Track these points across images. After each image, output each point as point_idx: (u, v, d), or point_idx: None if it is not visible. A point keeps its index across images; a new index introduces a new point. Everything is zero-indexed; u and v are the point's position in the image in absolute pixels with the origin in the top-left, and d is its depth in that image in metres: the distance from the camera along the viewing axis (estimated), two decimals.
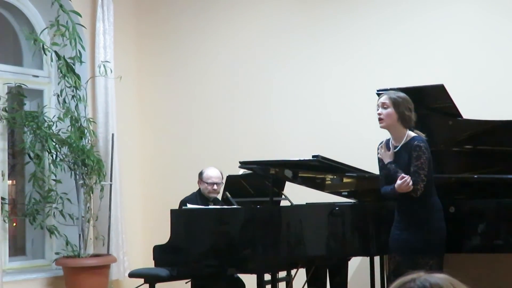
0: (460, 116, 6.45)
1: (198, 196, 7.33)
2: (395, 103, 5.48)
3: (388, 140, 5.62)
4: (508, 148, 6.49)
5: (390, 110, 5.47)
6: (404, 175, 5.39)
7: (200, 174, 7.42)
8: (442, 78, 6.87)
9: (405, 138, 5.50)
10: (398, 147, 5.51)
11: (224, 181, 7.43)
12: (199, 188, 7.41)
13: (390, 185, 5.53)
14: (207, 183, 7.32)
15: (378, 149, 5.71)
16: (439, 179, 5.81)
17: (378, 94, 6.43)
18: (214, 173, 7.37)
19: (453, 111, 6.41)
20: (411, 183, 5.37)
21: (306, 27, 8.91)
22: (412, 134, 5.51)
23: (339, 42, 8.70)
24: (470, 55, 8.01)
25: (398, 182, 5.40)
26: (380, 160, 5.65)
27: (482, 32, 7.98)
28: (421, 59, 8.19)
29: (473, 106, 7.31)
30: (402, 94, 5.55)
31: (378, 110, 5.55)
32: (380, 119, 5.51)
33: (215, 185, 7.33)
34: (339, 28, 8.71)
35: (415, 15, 8.23)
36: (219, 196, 7.51)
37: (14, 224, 9.00)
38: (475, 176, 6.44)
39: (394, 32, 8.39)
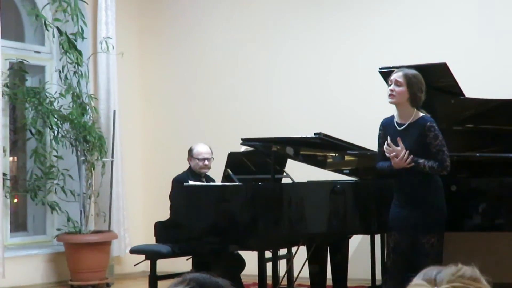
0: (463, 94, 6.44)
1: (190, 174, 7.32)
2: (410, 82, 5.40)
3: (391, 118, 5.58)
4: (509, 127, 6.48)
5: (403, 88, 5.40)
6: (400, 151, 5.37)
7: (190, 151, 7.41)
8: (445, 56, 6.85)
9: (412, 116, 5.45)
10: (405, 125, 5.46)
11: (214, 156, 7.42)
12: (190, 166, 7.39)
13: (386, 161, 5.50)
14: (198, 159, 7.31)
15: (380, 127, 5.67)
16: None
17: (381, 72, 6.42)
18: (204, 149, 7.36)
19: (456, 90, 6.39)
20: (408, 160, 5.35)
21: (310, 5, 8.89)
22: (420, 113, 5.46)
23: (342, 20, 8.69)
24: (474, 34, 8.00)
25: (396, 159, 5.38)
26: (380, 137, 5.62)
27: (485, 11, 7.96)
28: (424, 37, 8.18)
29: (475, 84, 7.30)
30: (416, 73, 5.46)
31: (390, 85, 5.46)
32: (391, 95, 5.44)
33: (206, 161, 7.32)
34: (342, 5, 8.69)
35: None
36: (220, 173, 7.50)
37: (16, 200, 9.01)
38: (477, 155, 6.45)
39: (397, 10, 8.38)
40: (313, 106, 8.76)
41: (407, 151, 5.35)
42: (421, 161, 5.37)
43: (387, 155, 5.43)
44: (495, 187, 6.07)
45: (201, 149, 7.35)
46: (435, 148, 5.37)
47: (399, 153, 5.36)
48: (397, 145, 5.39)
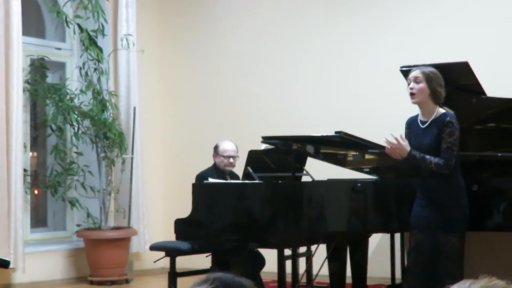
0: (484, 93, 6.41)
1: (214, 170, 7.32)
2: (428, 78, 5.42)
3: (416, 117, 5.58)
4: None
5: (423, 85, 5.41)
6: (396, 140, 5.38)
7: (216, 147, 7.40)
8: (467, 56, 6.82)
9: (435, 113, 5.45)
10: (428, 122, 5.46)
11: (239, 154, 7.41)
12: (215, 162, 7.39)
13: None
14: (223, 156, 7.30)
15: (406, 126, 5.66)
16: (462, 157, 5.77)
17: (402, 71, 6.40)
18: (229, 146, 7.35)
19: (477, 89, 6.36)
20: (399, 149, 5.37)
21: (334, 4, 8.88)
22: (442, 110, 5.46)
23: (366, 19, 8.67)
24: (496, 33, 7.96)
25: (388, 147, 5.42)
26: (406, 135, 5.62)
27: (508, 10, 7.92)
28: (446, 37, 8.15)
29: (497, 84, 7.26)
30: (434, 70, 5.49)
31: (410, 84, 5.47)
32: (411, 94, 5.44)
33: (231, 158, 7.31)
34: (366, 5, 8.68)
35: None
36: (240, 171, 7.50)
37: (36, 192, 9.03)
38: (499, 154, 6.41)
39: (420, 9, 8.35)
40: (334, 105, 8.75)
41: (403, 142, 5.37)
42: (427, 156, 5.37)
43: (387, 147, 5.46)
44: None
45: (227, 146, 7.34)
46: (446, 144, 5.36)
47: (395, 146, 5.40)
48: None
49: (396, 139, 5.42)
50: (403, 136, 5.49)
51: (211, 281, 1.96)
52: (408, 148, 5.40)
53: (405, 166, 5.65)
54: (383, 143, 5.54)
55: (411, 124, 5.60)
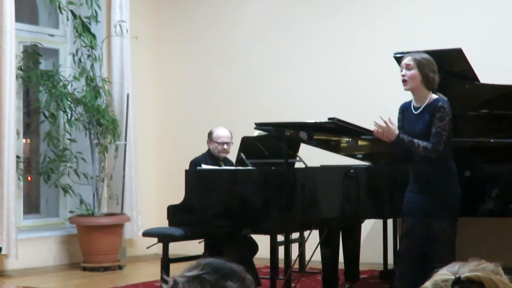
0: (477, 80, 6.41)
1: (208, 157, 7.30)
2: (420, 64, 5.43)
3: (409, 103, 5.58)
4: None
5: (414, 71, 5.42)
6: (385, 123, 5.40)
7: (210, 134, 7.38)
8: (461, 42, 6.82)
9: (428, 99, 5.45)
10: (421, 108, 5.47)
11: (233, 141, 7.41)
12: (209, 149, 7.38)
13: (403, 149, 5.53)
14: (217, 142, 7.28)
15: (399, 111, 5.67)
16: (455, 143, 5.78)
17: (396, 58, 6.40)
18: (224, 133, 7.33)
19: (470, 75, 6.37)
20: (387, 132, 5.39)
21: None
22: (435, 96, 5.47)
23: (360, 5, 8.67)
24: (488, 19, 7.97)
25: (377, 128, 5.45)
26: (399, 120, 5.63)
27: None
28: (439, 23, 8.15)
29: (490, 70, 7.27)
30: (426, 56, 5.49)
31: (402, 71, 5.48)
32: (404, 81, 5.45)
33: (225, 145, 7.29)
34: None
35: None
36: (233, 158, 7.51)
37: (29, 179, 9.03)
38: (491, 140, 6.42)
39: None
40: (328, 92, 8.76)
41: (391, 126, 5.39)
42: (415, 140, 5.38)
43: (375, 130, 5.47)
44: (509, 172, 6.04)
45: (221, 132, 7.32)
46: (436, 129, 5.37)
47: (384, 129, 5.41)
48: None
49: (385, 122, 5.43)
50: (392, 119, 5.49)
51: (202, 266, 1.97)
52: (397, 131, 5.42)
53: (397, 150, 5.66)
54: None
55: (405, 109, 5.61)
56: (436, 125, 5.37)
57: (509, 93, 6.47)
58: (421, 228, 5.45)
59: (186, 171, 6.65)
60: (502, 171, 6.05)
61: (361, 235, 7.28)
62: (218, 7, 9.56)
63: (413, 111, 5.52)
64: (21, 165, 8.57)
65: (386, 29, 8.46)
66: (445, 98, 5.48)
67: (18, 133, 8.47)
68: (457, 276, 1.79)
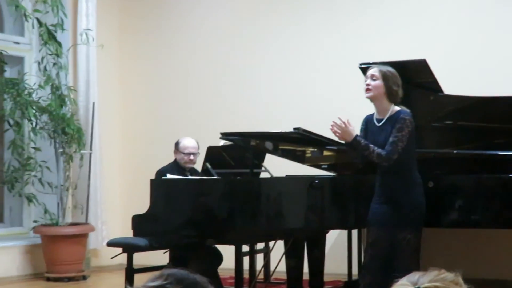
0: (442, 91, 6.47)
1: (175, 167, 7.27)
2: (385, 76, 5.47)
3: (372, 115, 5.62)
4: (487, 125, 6.52)
5: (379, 82, 5.47)
6: (341, 123, 5.45)
7: (176, 144, 7.35)
8: (425, 54, 6.87)
9: (390, 111, 5.49)
10: (383, 120, 5.50)
11: (200, 151, 7.40)
12: (175, 159, 7.35)
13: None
14: (183, 153, 7.26)
15: (362, 123, 5.70)
16: (419, 154, 5.83)
17: (361, 68, 6.45)
18: (190, 143, 7.30)
19: (435, 87, 6.42)
20: (345, 133, 5.44)
21: (296, 1, 8.90)
22: (397, 108, 5.50)
23: (325, 16, 8.71)
24: (452, 31, 8.05)
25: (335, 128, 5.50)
26: (361, 131, 5.66)
27: (463, 8, 8.02)
28: (405, 35, 8.22)
29: (454, 82, 7.34)
30: (391, 69, 5.54)
31: (366, 81, 5.53)
32: (367, 89, 5.49)
33: (191, 156, 7.26)
34: (327, 3, 8.72)
35: None
36: (199, 167, 7.50)
37: None
38: (454, 152, 6.48)
39: (379, 9, 8.41)
40: (297, 102, 8.78)
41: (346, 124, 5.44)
42: (371, 145, 5.43)
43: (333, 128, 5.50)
44: (472, 183, 6.09)
45: (188, 143, 7.28)
46: (393, 138, 5.41)
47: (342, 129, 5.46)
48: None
49: (343, 122, 5.48)
50: (351, 122, 5.53)
51: (165, 277, 1.97)
52: (354, 133, 5.47)
53: (352, 154, 5.68)
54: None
55: (368, 122, 5.66)
56: (393, 135, 5.41)
57: (473, 105, 6.53)
58: (386, 239, 5.48)
59: (151, 180, 6.62)
60: (465, 182, 6.10)
61: (325, 246, 7.29)
62: (185, 17, 9.56)
63: (376, 123, 5.56)
64: None
65: (352, 40, 8.51)
66: (408, 110, 5.52)
67: None
68: (417, 286, 1.81)
